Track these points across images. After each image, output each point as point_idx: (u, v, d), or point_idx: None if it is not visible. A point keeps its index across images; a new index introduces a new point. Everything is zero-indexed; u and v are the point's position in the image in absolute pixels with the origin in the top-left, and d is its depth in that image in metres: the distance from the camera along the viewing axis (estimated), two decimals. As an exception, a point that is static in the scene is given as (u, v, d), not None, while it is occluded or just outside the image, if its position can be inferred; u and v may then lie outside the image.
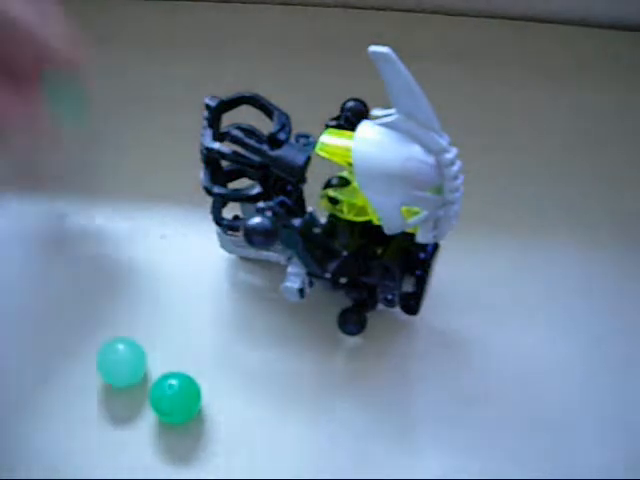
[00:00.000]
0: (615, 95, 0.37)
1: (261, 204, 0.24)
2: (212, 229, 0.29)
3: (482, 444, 0.26)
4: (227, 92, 0.26)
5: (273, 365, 0.28)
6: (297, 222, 0.24)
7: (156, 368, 0.27)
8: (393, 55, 0.18)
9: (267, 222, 0.23)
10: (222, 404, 0.27)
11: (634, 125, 0.36)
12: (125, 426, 0.26)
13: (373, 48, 0.18)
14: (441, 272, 0.26)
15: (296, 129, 0.25)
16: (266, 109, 0.26)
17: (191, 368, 0.27)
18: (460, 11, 0.41)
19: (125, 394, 0.27)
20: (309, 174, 0.25)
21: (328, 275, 0.25)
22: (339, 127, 0.24)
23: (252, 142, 0.24)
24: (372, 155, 0.20)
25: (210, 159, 0.26)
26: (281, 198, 0.24)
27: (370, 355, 0.28)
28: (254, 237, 0.23)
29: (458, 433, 0.26)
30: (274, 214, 0.23)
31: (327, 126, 0.24)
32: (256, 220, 0.23)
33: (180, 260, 0.31)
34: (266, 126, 0.26)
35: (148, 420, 0.26)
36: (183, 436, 0.26)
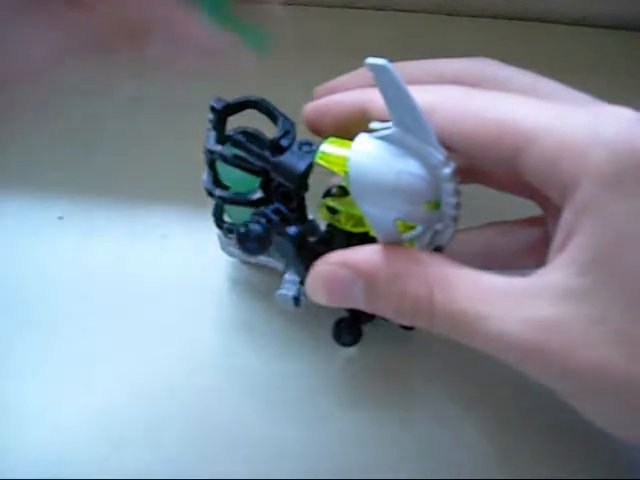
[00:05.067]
0: (615, 95, 0.37)
1: (264, 208, 0.24)
2: (213, 230, 0.29)
3: (481, 445, 0.26)
4: (231, 94, 0.26)
5: (273, 365, 0.28)
6: (292, 230, 0.24)
7: (156, 367, 0.28)
8: (390, 67, 0.18)
9: (260, 229, 0.23)
10: (222, 404, 0.27)
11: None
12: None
13: (370, 60, 0.18)
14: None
15: (300, 136, 0.25)
16: (271, 114, 0.26)
17: (191, 368, 0.27)
18: (460, 11, 0.41)
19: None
20: (314, 182, 0.24)
21: None
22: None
23: (253, 147, 0.24)
24: (366, 167, 0.20)
25: (213, 161, 0.26)
26: (276, 205, 0.24)
27: (367, 363, 0.28)
28: (246, 243, 0.23)
29: (457, 435, 0.26)
30: (268, 221, 0.23)
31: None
32: (249, 226, 0.23)
33: (180, 260, 0.31)
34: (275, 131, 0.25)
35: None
36: (183, 436, 0.26)
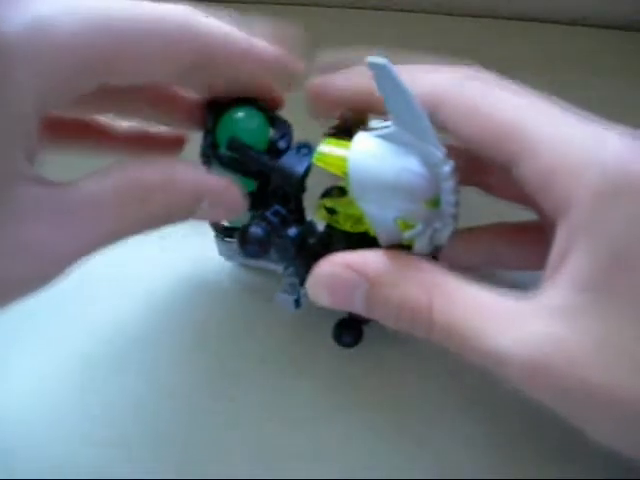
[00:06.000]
0: (615, 95, 0.37)
1: (264, 211, 0.24)
2: (212, 231, 0.29)
3: (481, 445, 0.26)
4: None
5: (272, 366, 0.28)
6: (292, 232, 0.24)
7: (155, 368, 0.28)
8: (391, 66, 0.18)
9: (260, 232, 0.23)
10: (221, 404, 0.27)
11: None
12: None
13: (370, 59, 0.18)
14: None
15: (298, 137, 0.25)
16: (268, 116, 0.25)
17: (190, 368, 0.27)
18: (460, 11, 0.41)
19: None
20: (311, 183, 0.24)
21: None
22: (338, 137, 0.24)
23: (251, 150, 0.24)
24: (367, 166, 0.20)
25: (209, 164, 0.26)
26: (275, 207, 0.24)
27: (367, 364, 0.28)
28: (247, 246, 0.23)
29: (457, 435, 0.26)
30: (268, 223, 0.23)
31: (326, 135, 0.24)
32: (250, 229, 0.23)
33: (180, 261, 0.31)
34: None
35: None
36: (182, 437, 0.26)
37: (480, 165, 0.25)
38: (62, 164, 0.23)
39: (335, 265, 0.21)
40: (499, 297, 0.19)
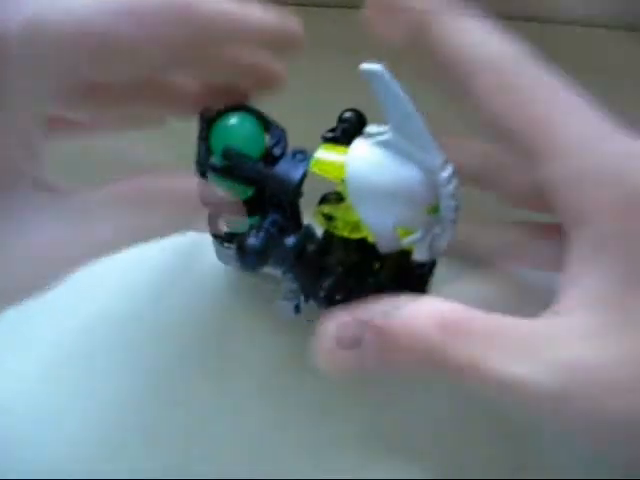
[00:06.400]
0: (615, 95, 0.37)
1: (266, 222, 0.24)
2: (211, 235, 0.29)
3: (482, 444, 0.26)
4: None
5: (272, 366, 0.28)
6: (290, 241, 0.23)
7: (155, 370, 0.28)
8: (385, 72, 0.18)
9: (258, 243, 0.23)
10: (222, 406, 0.27)
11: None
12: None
13: (364, 66, 0.18)
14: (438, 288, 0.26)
15: (293, 139, 0.25)
16: (262, 123, 0.25)
17: (190, 370, 0.27)
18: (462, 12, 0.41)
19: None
20: (307, 188, 0.24)
21: (322, 293, 0.24)
22: (335, 140, 0.24)
23: (246, 158, 0.24)
24: (365, 173, 0.20)
25: (204, 172, 0.25)
26: (274, 217, 0.24)
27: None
28: (245, 258, 0.23)
29: (458, 434, 0.26)
30: (266, 233, 0.23)
31: (323, 138, 0.24)
32: (247, 241, 0.23)
33: (180, 262, 0.31)
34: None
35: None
36: (182, 437, 0.26)
37: (496, 170, 0.25)
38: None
39: (341, 322, 0.19)
40: (515, 322, 0.18)
